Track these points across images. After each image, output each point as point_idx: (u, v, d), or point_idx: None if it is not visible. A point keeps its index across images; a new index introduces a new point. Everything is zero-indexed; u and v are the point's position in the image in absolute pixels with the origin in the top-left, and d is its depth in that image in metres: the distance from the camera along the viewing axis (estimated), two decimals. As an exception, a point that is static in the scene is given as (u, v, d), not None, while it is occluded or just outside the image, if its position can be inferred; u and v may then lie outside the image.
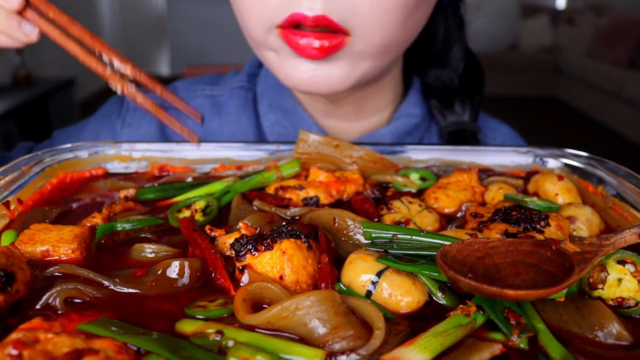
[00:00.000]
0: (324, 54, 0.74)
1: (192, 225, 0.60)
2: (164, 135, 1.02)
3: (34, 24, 0.66)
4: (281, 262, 0.52)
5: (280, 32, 0.75)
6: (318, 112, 0.97)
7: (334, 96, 0.88)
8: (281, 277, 0.52)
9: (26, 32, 0.68)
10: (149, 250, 0.59)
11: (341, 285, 0.53)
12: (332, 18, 0.72)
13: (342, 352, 0.44)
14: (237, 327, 0.46)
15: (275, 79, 0.97)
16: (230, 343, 0.44)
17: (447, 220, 0.70)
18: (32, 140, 1.04)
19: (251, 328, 0.46)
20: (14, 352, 0.39)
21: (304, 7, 0.72)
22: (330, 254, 0.56)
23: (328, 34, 0.73)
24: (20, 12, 0.66)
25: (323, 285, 0.52)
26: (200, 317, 0.48)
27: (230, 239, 0.58)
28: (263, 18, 0.76)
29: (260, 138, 1.00)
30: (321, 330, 0.45)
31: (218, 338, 0.45)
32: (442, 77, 1.00)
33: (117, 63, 0.67)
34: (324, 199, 0.72)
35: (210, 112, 1.02)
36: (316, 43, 0.73)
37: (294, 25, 0.74)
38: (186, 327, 0.46)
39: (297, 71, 0.78)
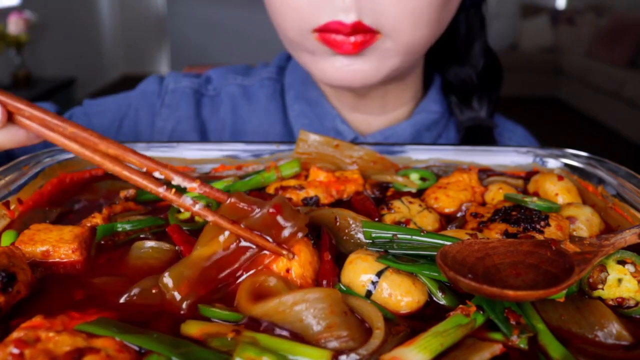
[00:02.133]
0: (357, 49, 0.80)
1: (179, 230, 0.61)
2: (200, 119, 1.06)
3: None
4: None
5: (317, 36, 0.81)
6: (342, 105, 1.02)
7: (361, 90, 0.93)
8: (288, 271, 0.52)
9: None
10: (149, 246, 0.59)
11: (341, 285, 0.53)
12: (366, 23, 0.78)
13: (341, 352, 0.44)
14: (243, 327, 0.46)
15: (302, 72, 1.04)
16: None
17: (447, 220, 0.70)
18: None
19: (256, 328, 0.46)
20: (16, 351, 0.39)
21: (341, 16, 0.78)
22: (332, 252, 0.56)
23: (362, 33, 0.80)
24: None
25: (325, 282, 0.52)
26: (216, 319, 0.48)
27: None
28: (298, 24, 0.83)
29: (287, 127, 1.05)
30: (315, 327, 0.45)
31: (236, 337, 0.45)
32: (461, 74, 1.05)
33: (178, 180, 0.52)
34: (324, 198, 0.72)
35: (241, 100, 1.08)
36: (352, 39, 0.79)
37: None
38: (191, 328, 0.46)
39: (332, 67, 0.85)
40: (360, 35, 0.79)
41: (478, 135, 1.02)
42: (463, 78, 1.04)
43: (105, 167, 0.51)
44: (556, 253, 0.51)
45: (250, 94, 1.08)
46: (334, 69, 0.84)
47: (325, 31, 0.80)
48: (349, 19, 0.77)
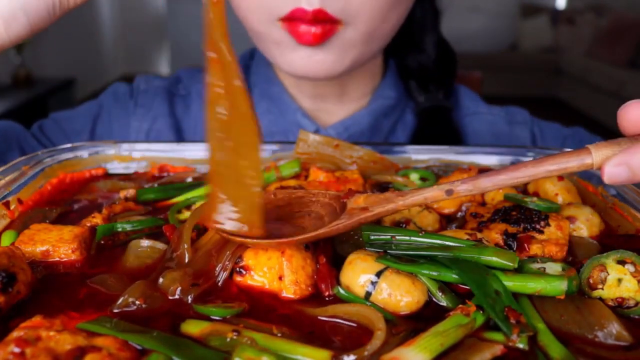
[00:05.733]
0: (318, 40, 0.82)
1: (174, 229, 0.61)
2: (174, 118, 1.07)
3: None
4: (280, 262, 0.52)
5: (282, 24, 0.83)
6: (304, 97, 1.04)
7: (323, 80, 0.94)
8: (280, 278, 0.52)
9: None
10: (145, 245, 0.59)
11: (339, 289, 0.52)
12: (328, 11, 0.80)
13: (341, 353, 0.44)
14: (242, 327, 0.46)
15: (265, 70, 1.06)
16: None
17: (447, 220, 0.70)
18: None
19: (259, 329, 0.46)
20: (17, 349, 0.39)
21: (303, 3, 0.80)
22: (327, 254, 0.56)
23: (323, 24, 0.81)
24: None
25: (323, 285, 0.52)
26: (215, 317, 0.48)
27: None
28: (264, 13, 0.84)
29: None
30: None
31: (235, 337, 0.45)
32: (417, 60, 1.09)
33: None
34: (324, 199, 0.72)
35: None
36: (313, 29, 0.81)
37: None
38: (191, 327, 0.46)
39: (296, 58, 0.86)
40: (320, 27, 0.81)
41: (437, 117, 1.05)
42: (420, 63, 1.08)
43: None
44: (334, 198, 0.56)
45: None
46: (298, 59, 0.86)
47: (289, 20, 0.82)
48: (312, 5, 0.79)
